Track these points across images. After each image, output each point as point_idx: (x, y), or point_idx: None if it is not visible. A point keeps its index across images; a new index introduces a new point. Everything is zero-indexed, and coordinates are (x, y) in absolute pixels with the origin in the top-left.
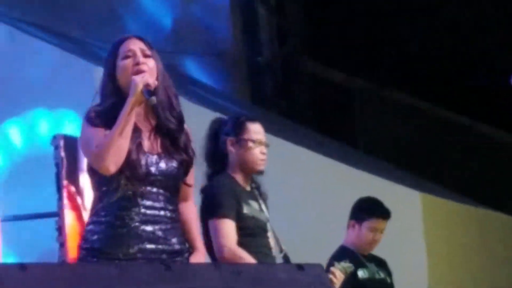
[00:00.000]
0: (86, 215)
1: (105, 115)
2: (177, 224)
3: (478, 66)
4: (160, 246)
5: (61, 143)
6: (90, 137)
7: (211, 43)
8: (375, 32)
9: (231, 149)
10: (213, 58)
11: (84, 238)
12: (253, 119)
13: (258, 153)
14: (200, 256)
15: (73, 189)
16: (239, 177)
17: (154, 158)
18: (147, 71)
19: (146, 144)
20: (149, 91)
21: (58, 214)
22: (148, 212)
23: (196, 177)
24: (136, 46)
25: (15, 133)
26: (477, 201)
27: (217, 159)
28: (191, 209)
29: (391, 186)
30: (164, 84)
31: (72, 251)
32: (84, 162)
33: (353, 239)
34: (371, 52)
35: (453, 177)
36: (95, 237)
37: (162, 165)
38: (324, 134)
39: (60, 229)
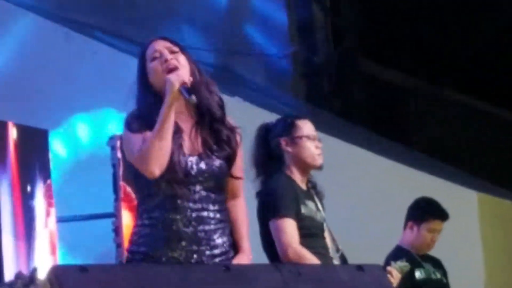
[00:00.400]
0: None
1: (143, 119)
2: (223, 224)
3: None
4: (202, 248)
5: (118, 144)
6: (131, 143)
7: (271, 42)
8: (433, 30)
9: (286, 148)
10: (268, 58)
11: (130, 241)
12: (301, 117)
13: (313, 148)
14: (243, 258)
15: (129, 190)
16: (296, 177)
17: (194, 159)
18: (178, 67)
19: (187, 144)
20: (187, 90)
21: (115, 215)
22: (190, 213)
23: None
24: (161, 45)
25: (82, 129)
26: None
27: (271, 162)
28: (239, 207)
29: (447, 185)
30: (200, 78)
31: None
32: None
33: (410, 239)
34: (428, 51)
35: (510, 176)
36: (140, 240)
37: (203, 165)
38: (379, 133)
39: (117, 230)
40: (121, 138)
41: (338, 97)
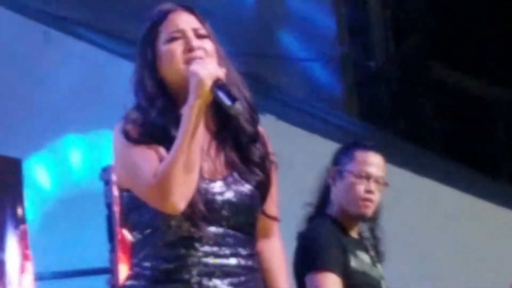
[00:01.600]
0: None
1: (151, 126)
2: (256, 274)
3: None
4: None
5: (114, 176)
6: (138, 162)
7: (311, 45)
8: None
9: (331, 182)
10: (313, 64)
11: None
12: (367, 147)
13: (360, 191)
14: None
15: (129, 237)
16: (343, 220)
17: (218, 185)
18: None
19: (205, 165)
20: (226, 91)
21: (110, 270)
22: (212, 261)
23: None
24: (185, 22)
25: (41, 171)
26: None
27: (320, 195)
28: (275, 251)
29: None
30: (231, 76)
31: None
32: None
33: None
34: None
35: None
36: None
37: (230, 194)
38: (456, 161)
39: None
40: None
41: (402, 114)
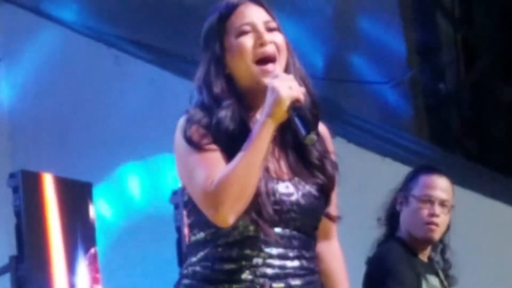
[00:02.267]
0: None
1: (215, 129)
2: (317, 276)
3: None
4: None
5: (185, 199)
6: (197, 166)
7: (381, 69)
8: None
9: (398, 208)
10: (383, 87)
11: None
12: (432, 170)
13: (424, 215)
14: None
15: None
16: (412, 244)
17: (284, 186)
18: (277, 57)
19: (271, 165)
20: (303, 118)
21: None
22: (276, 263)
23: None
24: (255, 15)
25: (134, 182)
26: None
27: (388, 220)
28: (334, 252)
29: None
30: (297, 72)
31: None
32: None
33: None
34: None
35: None
36: None
37: (297, 196)
38: None
39: None
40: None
41: (474, 137)
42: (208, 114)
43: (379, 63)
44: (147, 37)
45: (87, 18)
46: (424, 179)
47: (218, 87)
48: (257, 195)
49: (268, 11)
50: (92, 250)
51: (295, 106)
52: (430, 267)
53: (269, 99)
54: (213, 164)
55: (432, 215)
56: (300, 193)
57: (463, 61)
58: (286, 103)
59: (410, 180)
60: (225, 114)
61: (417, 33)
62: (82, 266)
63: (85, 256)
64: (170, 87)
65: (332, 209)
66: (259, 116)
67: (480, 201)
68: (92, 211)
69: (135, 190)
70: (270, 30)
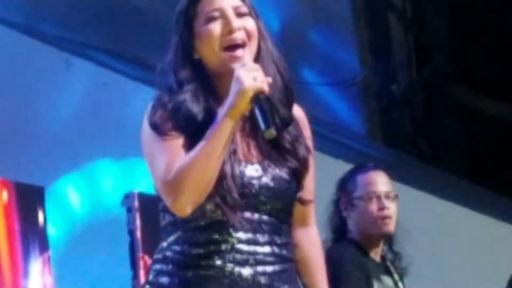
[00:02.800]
0: None
1: (179, 114)
2: (291, 264)
3: None
4: None
5: (136, 203)
6: (157, 152)
7: (332, 69)
8: None
9: (345, 213)
10: (334, 88)
11: (148, 282)
12: (365, 169)
13: (375, 212)
14: None
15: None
16: (365, 243)
17: (253, 169)
18: (247, 44)
19: (239, 148)
20: (264, 111)
21: None
22: (246, 248)
23: None
24: (225, 2)
25: (74, 192)
26: None
27: (336, 226)
28: (312, 240)
29: None
30: (270, 53)
31: None
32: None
33: None
34: None
35: None
36: (165, 280)
37: (266, 178)
38: (481, 185)
39: None
40: (138, 196)
41: (425, 138)
42: (175, 102)
43: (331, 65)
44: (97, 39)
45: (37, 21)
46: (361, 178)
47: (184, 72)
48: (222, 178)
49: None
50: (46, 255)
51: (258, 97)
52: (384, 267)
53: (233, 89)
54: (173, 152)
55: (382, 209)
56: (269, 176)
57: (415, 61)
58: (249, 94)
59: (346, 184)
60: (184, 98)
61: (369, 34)
62: (35, 270)
63: (38, 261)
64: (121, 90)
65: (305, 194)
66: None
67: (434, 202)
68: (44, 216)
69: (75, 201)
70: (240, 15)
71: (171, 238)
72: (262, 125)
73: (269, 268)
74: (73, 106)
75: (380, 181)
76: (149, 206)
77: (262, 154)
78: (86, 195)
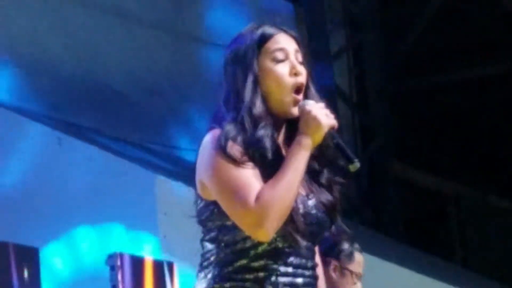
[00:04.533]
0: None
1: (255, 148)
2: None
3: None
4: None
5: (118, 262)
6: (237, 181)
7: None
8: (472, 130)
9: None
10: None
11: None
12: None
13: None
14: None
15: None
16: None
17: (311, 202)
18: (305, 86)
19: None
20: (347, 149)
21: None
22: (300, 272)
23: None
24: (290, 45)
25: (58, 256)
26: None
27: None
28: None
29: None
30: (317, 100)
31: None
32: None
33: None
34: (468, 153)
35: None
36: None
37: (317, 211)
38: (416, 247)
39: None
40: (120, 256)
41: (369, 206)
42: (242, 131)
43: None
44: (84, 120)
45: (32, 103)
46: None
47: (258, 107)
48: (292, 209)
49: (299, 44)
50: None
51: (331, 133)
52: None
53: (309, 123)
54: (254, 181)
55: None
56: (319, 209)
57: (360, 140)
58: (325, 129)
59: None
60: (264, 133)
61: None
62: None
63: None
64: (108, 165)
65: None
66: (280, 139)
67: (376, 263)
68: (38, 274)
69: (85, 250)
70: (300, 63)
71: (232, 266)
72: (349, 158)
73: None
74: (65, 178)
75: (359, 261)
76: (130, 265)
77: (308, 189)
78: (68, 258)
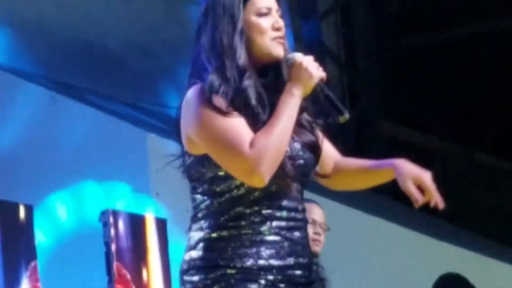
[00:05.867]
0: None
1: (240, 97)
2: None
3: None
4: (306, 259)
5: (111, 219)
6: (227, 130)
7: None
8: (458, 88)
9: None
10: None
11: (212, 258)
12: (309, 201)
13: (310, 233)
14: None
15: (124, 271)
16: None
17: (297, 144)
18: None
19: None
20: (337, 101)
21: None
22: (293, 215)
23: None
24: (273, 3)
25: (61, 208)
26: None
27: None
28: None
29: (478, 259)
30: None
31: None
32: (146, 237)
33: None
34: (454, 111)
35: None
36: (231, 252)
37: (305, 154)
38: (401, 202)
39: None
40: (113, 213)
41: None
42: (225, 82)
43: None
44: (78, 80)
45: (26, 64)
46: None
47: (242, 58)
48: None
49: (278, 3)
50: (33, 263)
51: (321, 85)
52: None
53: (300, 74)
54: (244, 129)
55: (316, 233)
56: (306, 151)
57: (348, 99)
58: (315, 80)
59: None
60: (248, 84)
61: None
62: (25, 277)
63: (26, 269)
64: (100, 124)
65: (334, 154)
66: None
67: (362, 216)
68: (32, 230)
69: (62, 214)
70: (280, 16)
71: (228, 214)
72: (339, 109)
73: (303, 233)
74: (59, 137)
75: (313, 212)
76: (122, 222)
77: (294, 131)
78: (72, 210)
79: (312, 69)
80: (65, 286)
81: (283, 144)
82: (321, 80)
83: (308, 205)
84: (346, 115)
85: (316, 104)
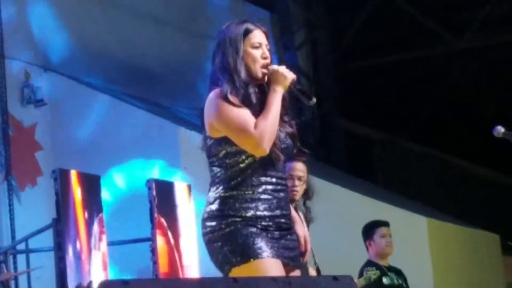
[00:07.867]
0: (172, 240)
1: (243, 97)
2: None
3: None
4: (287, 211)
5: (153, 185)
6: (240, 117)
7: None
8: (393, 96)
9: None
10: None
11: (233, 209)
12: (296, 159)
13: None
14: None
15: (162, 220)
16: None
17: (282, 131)
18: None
19: None
20: (306, 91)
21: (151, 239)
22: (280, 181)
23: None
24: (263, 39)
25: (118, 178)
26: (470, 223)
27: None
28: None
29: (403, 213)
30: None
31: (163, 268)
32: (177, 197)
33: (373, 252)
34: (390, 110)
35: (453, 205)
36: (238, 206)
37: (284, 139)
38: (353, 174)
39: (153, 251)
40: (154, 181)
41: (322, 147)
42: (235, 88)
43: None
44: (131, 90)
45: (98, 80)
46: (288, 165)
47: (243, 75)
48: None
49: (267, 37)
50: (100, 215)
51: (294, 83)
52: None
53: (279, 78)
54: (250, 117)
55: (293, 186)
56: (286, 137)
57: (315, 104)
58: (289, 80)
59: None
60: (252, 90)
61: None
62: (95, 224)
63: (96, 219)
64: (148, 122)
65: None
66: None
67: (325, 185)
68: (99, 193)
69: (120, 183)
70: (268, 49)
71: (236, 180)
72: (308, 98)
73: (286, 193)
74: (118, 132)
75: (297, 168)
76: (160, 187)
77: (280, 125)
78: (127, 179)
79: (286, 72)
80: (122, 231)
81: (275, 124)
82: (293, 79)
83: (289, 164)
84: (314, 100)
85: (292, 96)
